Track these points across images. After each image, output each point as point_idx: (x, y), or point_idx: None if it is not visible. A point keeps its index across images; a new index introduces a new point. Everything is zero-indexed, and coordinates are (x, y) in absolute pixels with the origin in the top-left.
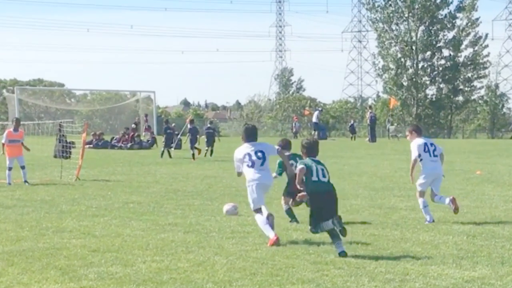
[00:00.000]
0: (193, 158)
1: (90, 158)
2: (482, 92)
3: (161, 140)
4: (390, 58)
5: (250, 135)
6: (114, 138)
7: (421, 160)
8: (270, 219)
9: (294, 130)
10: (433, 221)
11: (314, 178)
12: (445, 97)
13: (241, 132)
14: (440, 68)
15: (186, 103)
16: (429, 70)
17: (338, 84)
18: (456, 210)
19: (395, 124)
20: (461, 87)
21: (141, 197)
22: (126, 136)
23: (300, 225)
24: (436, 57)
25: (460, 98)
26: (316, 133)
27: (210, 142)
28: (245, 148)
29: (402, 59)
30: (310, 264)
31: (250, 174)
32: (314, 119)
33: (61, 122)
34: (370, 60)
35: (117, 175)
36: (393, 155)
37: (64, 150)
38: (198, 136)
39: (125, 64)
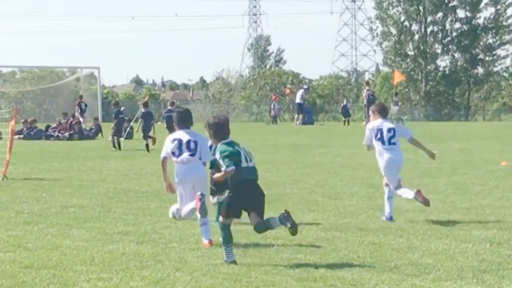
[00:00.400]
0: (147, 149)
1: (20, 151)
2: (507, 62)
3: (108, 128)
4: (391, 21)
5: (183, 120)
6: (51, 127)
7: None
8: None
9: (272, 113)
10: (391, 219)
11: (244, 164)
12: (461, 69)
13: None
14: (454, 33)
15: (138, 82)
16: (440, 35)
17: (327, 55)
18: (426, 204)
19: (400, 104)
20: (481, 56)
21: (83, 200)
22: (65, 124)
23: (280, 232)
24: (449, 20)
25: (480, 70)
26: (301, 116)
27: (172, 129)
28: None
29: (407, 23)
30: (295, 281)
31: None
32: (297, 100)
33: None
34: (367, 25)
35: (53, 173)
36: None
37: None
38: (153, 123)
39: (61, 35)
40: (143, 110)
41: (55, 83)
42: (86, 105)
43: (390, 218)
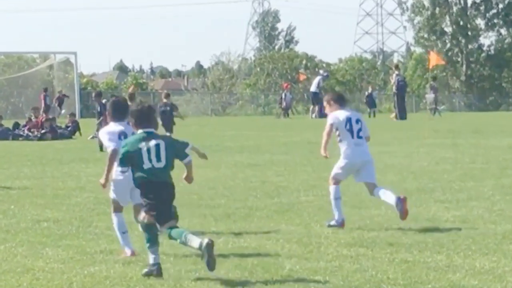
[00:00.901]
0: None
1: None
2: None
3: (87, 124)
4: None
5: (118, 111)
6: (19, 125)
7: (340, 140)
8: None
9: (283, 104)
10: (342, 223)
11: (146, 164)
12: (509, 48)
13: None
14: (501, 5)
15: (122, 69)
16: (483, 8)
17: (347, 33)
18: (403, 215)
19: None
20: None
21: (59, 212)
22: (35, 121)
23: (294, 250)
24: None
25: None
26: (317, 108)
27: (169, 126)
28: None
29: None
30: None
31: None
32: (313, 88)
33: None
34: None
35: (23, 180)
36: (434, 138)
37: None
38: None
39: (31, 13)
40: (96, 104)
41: (24, 71)
42: (64, 97)
43: (340, 223)
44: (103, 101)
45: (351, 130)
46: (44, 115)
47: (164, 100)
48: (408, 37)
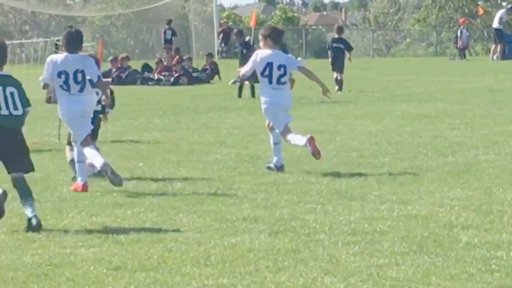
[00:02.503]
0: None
1: None
2: None
3: (227, 66)
4: None
5: (72, 42)
6: (149, 67)
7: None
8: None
9: (459, 44)
10: (281, 167)
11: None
12: None
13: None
14: None
15: (269, 0)
16: None
17: None
18: (316, 155)
19: None
20: None
21: (195, 171)
22: (167, 63)
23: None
24: None
25: None
26: (499, 47)
27: (340, 67)
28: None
29: None
30: None
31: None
32: (495, 24)
33: (57, 39)
34: None
35: (153, 132)
36: None
37: None
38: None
39: None
40: (237, 44)
41: (155, 3)
42: (173, 34)
43: (280, 167)
44: (246, 39)
45: (269, 76)
46: (176, 55)
47: (336, 36)
48: None
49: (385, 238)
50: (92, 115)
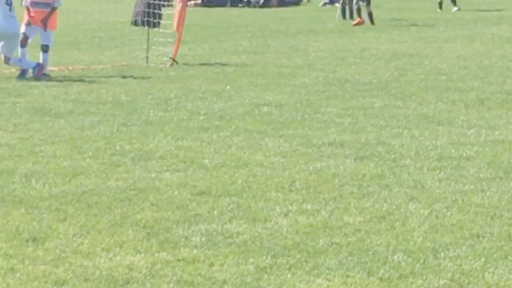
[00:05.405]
0: (371, 21)
1: (196, 24)
2: None
3: None
4: None
5: None
6: None
7: None
8: None
9: None
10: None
11: None
12: None
13: None
14: None
15: None
16: None
17: None
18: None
19: None
20: None
21: (282, 95)
22: None
23: None
24: None
25: None
26: None
27: None
28: None
29: None
30: None
31: None
32: None
33: None
34: None
35: (241, 55)
36: None
37: (151, 13)
38: None
39: None
40: None
41: None
42: None
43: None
44: None
45: (10, 4)
46: None
47: None
48: None
49: (471, 163)
50: None
